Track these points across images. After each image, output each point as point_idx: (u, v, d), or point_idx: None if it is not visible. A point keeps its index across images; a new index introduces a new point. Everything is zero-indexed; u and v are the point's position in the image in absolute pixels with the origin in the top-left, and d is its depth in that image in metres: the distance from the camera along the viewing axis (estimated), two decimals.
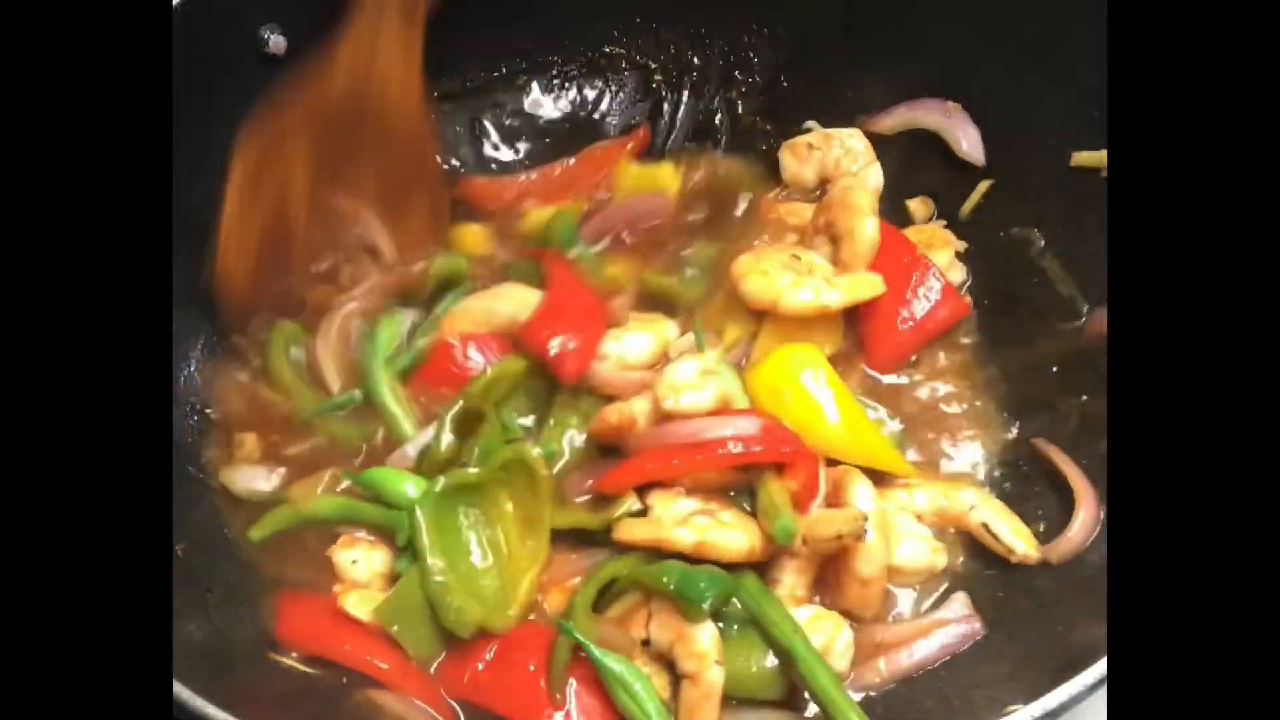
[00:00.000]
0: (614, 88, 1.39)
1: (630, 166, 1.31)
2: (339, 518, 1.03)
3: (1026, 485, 1.07)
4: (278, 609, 0.98)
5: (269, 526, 1.04)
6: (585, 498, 1.02)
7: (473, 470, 1.00)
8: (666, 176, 1.29)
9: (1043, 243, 1.15)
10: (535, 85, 1.39)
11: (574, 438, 1.05)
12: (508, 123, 1.38)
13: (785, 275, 1.07)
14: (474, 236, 1.27)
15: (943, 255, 1.17)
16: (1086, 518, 0.98)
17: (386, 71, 1.12)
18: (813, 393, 1.01)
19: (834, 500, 0.97)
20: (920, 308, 1.10)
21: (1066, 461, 1.03)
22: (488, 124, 1.38)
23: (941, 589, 1.01)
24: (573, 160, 1.35)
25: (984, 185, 1.20)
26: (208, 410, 1.14)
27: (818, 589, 0.99)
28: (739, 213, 1.26)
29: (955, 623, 0.96)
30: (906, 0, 1.21)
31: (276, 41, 1.17)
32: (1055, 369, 1.11)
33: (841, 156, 1.24)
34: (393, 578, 0.99)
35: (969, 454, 1.10)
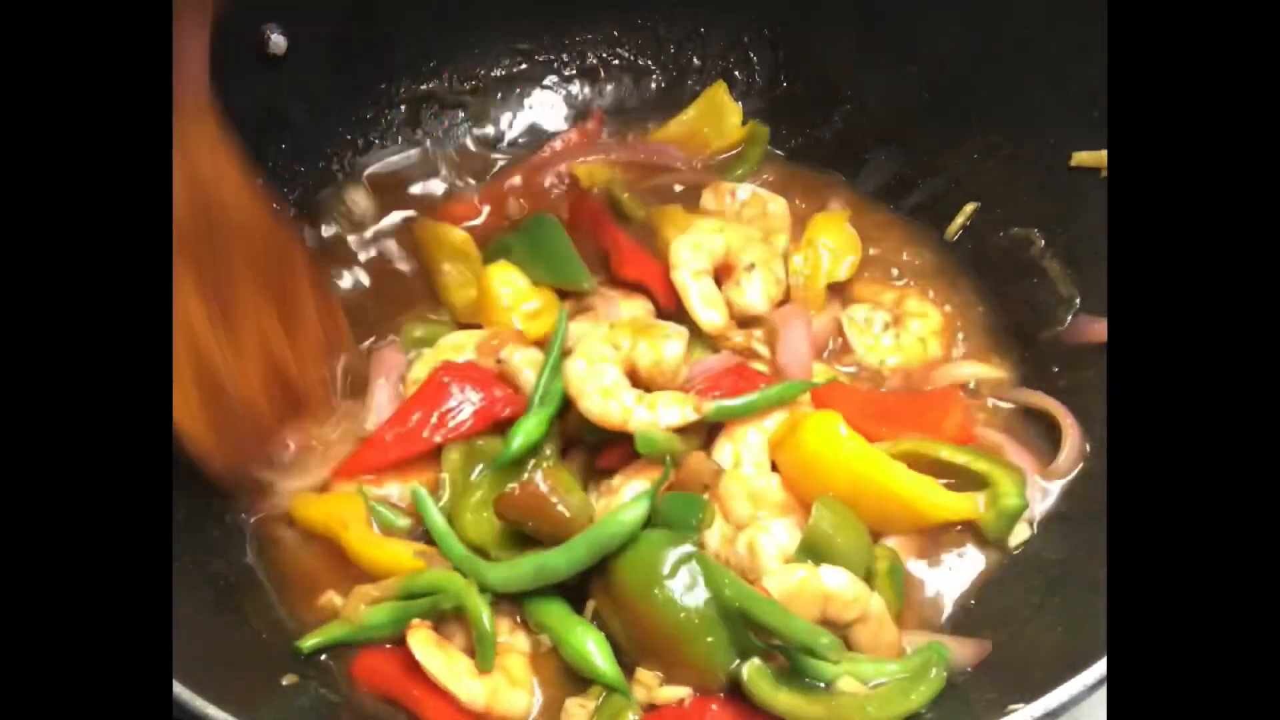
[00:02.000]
0: (614, 87, 1.39)
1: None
2: (393, 622, 0.95)
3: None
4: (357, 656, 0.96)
5: (321, 639, 0.96)
6: None
7: None
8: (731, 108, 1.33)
9: (1043, 243, 1.15)
10: (535, 85, 1.39)
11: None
12: (511, 122, 1.39)
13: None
14: (457, 240, 1.21)
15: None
16: (1073, 444, 1.04)
17: (207, 173, 0.97)
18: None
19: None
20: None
21: (1047, 399, 1.08)
22: (487, 125, 1.38)
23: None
24: (518, 179, 1.32)
25: (970, 207, 1.21)
26: None
27: None
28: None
29: None
30: (907, 0, 1.21)
31: (276, 41, 1.17)
32: (1056, 369, 1.11)
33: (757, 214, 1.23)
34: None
35: None
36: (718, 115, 1.33)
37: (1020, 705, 0.76)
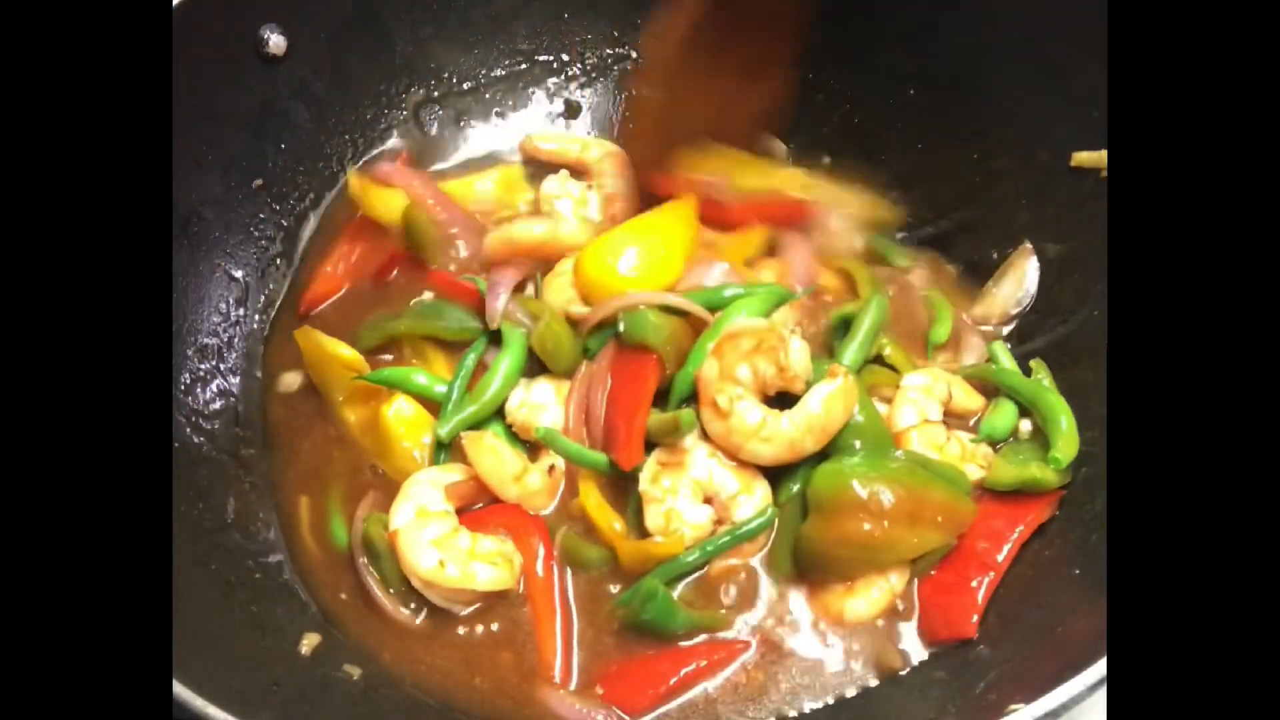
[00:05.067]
0: (614, 87, 1.39)
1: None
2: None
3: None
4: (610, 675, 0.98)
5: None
6: None
7: None
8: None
9: (1044, 243, 1.15)
10: (535, 86, 1.39)
11: None
12: (507, 122, 1.39)
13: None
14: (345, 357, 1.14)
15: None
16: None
17: None
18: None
19: None
20: None
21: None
22: (485, 124, 1.38)
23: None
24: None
25: None
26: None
27: None
28: None
29: None
30: (907, 0, 1.22)
31: (276, 41, 1.18)
32: (1055, 368, 1.11)
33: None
34: None
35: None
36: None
37: (1020, 705, 0.76)
